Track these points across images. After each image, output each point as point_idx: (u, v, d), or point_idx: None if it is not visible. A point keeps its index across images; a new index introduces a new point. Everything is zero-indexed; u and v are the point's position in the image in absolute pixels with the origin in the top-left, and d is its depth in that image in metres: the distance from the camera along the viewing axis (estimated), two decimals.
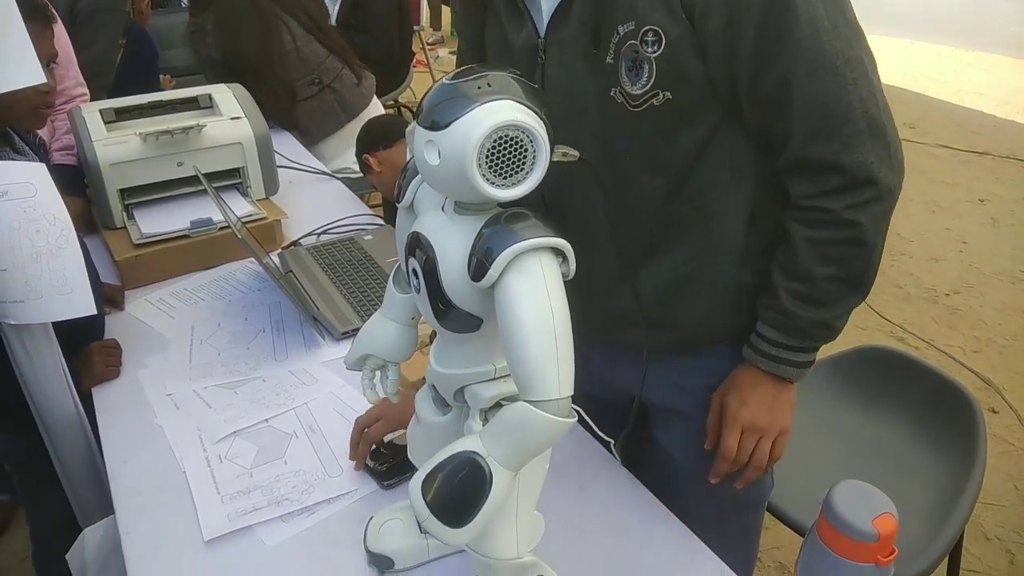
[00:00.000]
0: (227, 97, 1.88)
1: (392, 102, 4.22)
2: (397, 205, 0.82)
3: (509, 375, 0.74)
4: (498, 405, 0.75)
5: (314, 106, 2.68)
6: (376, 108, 2.86)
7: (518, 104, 0.66)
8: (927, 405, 1.56)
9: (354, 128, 2.76)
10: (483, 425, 0.75)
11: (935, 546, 1.25)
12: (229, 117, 1.83)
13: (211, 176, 1.73)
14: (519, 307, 0.65)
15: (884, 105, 0.90)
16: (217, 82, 1.96)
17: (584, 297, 1.05)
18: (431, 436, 0.88)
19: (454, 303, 0.72)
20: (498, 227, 0.67)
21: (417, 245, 0.75)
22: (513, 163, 0.66)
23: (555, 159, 0.69)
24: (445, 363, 0.81)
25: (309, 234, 1.88)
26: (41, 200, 1.14)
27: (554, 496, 1.09)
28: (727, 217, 1.01)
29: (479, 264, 0.67)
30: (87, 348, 1.39)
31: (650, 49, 0.89)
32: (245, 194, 1.88)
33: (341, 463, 1.17)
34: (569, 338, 0.66)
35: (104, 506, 1.28)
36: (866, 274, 0.97)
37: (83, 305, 1.18)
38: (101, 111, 1.76)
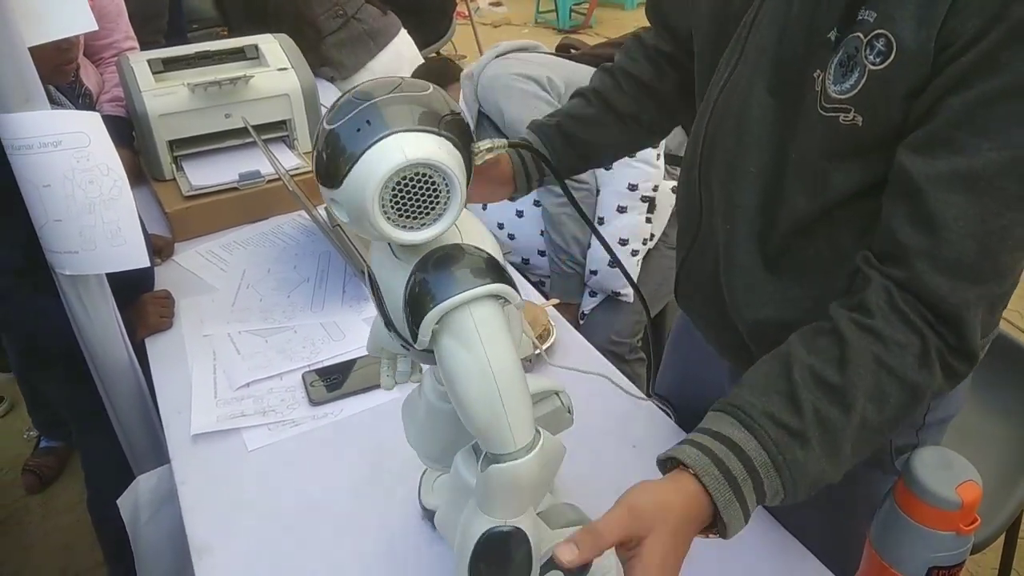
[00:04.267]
0: (273, 48, 1.85)
1: (434, 54, 4.17)
2: None
3: None
4: None
5: (343, 38, 2.64)
6: (406, 41, 2.82)
7: (410, 134, 0.58)
8: (989, 368, 1.51)
9: (385, 59, 2.71)
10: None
11: (1000, 514, 1.22)
12: (276, 68, 1.80)
13: (258, 128, 1.71)
14: (457, 375, 0.61)
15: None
16: (243, 31, 1.94)
17: (691, 278, 1.03)
18: (437, 421, 0.82)
19: (403, 336, 0.67)
20: (424, 279, 0.60)
21: (371, 279, 0.69)
22: (423, 202, 0.59)
23: (479, 161, 0.65)
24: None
25: None
26: (94, 150, 1.13)
27: (608, 455, 1.09)
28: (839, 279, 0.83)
29: (411, 328, 0.61)
30: (140, 299, 1.40)
31: (872, 57, 0.70)
32: (292, 147, 1.86)
33: None
34: (517, 386, 0.63)
35: (158, 455, 1.30)
36: None
37: (136, 257, 1.18)
38: (149, 61, 1.75)
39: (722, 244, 0.93)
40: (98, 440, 1.45)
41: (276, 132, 1.85)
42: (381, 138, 0.56)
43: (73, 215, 1.13)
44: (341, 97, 0.61)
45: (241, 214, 1.71)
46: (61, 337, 1.27)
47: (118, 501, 1.23)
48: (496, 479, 0.64)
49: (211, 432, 1.15)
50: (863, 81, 0.71)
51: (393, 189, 0.57)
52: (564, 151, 1.16)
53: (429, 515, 0.99)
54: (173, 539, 1.22)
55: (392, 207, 0.58)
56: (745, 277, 0.91)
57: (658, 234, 2.09)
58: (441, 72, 2.34)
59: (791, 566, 0.94)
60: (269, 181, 1.71)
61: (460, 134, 0.61)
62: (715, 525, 0.67)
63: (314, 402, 1.21)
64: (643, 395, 1.19)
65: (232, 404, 1.21)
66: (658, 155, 1.99)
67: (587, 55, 2.14)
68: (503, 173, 1.16)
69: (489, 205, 1.97)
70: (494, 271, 0.61)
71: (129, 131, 1.82)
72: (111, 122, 1.80)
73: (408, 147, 0.57)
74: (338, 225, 1.66)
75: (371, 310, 1.43)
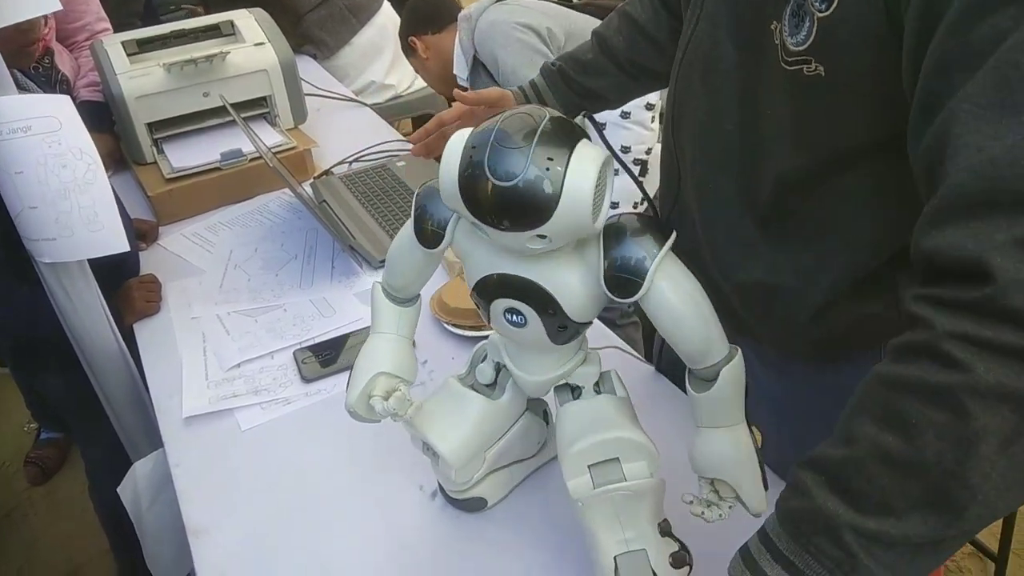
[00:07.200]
0: (249, 23, 1.82)
1: None
2: (426, 248, 0.79)
3: (589, 353, 0.84)
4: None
5: (323, 15, 2.59)
6: (390, 15, 2.75)
7: (586, 150, 0.65)
8: None
9: (369, 34, 2.66)
10: (595, 392, 0.83)
11: None
12: (252, 43, 1.77)
13: (238, 106, 1.68)
14: (682, 303, 0.71)
15: None
16: (221, 10, 1.90)
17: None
18: (490, 418, 0.89)
19: (576, 321, 0.76)
20: (626, 246, 0.70)
21: (514, 287, 0.74)
22: (604, 191, 0.68)
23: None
24: (543, 371, 0.82)
25: (341, 162, 1.84)
26: (66, 134, 1.10)
27: None
28: (851, 238, 0.79)
29: (626, 284, 0.70)
30: (126, 284, 1.39)
31: (818, 4, 0.66)
32: (273, 123, 1.83)
33: None
34: (712, 306, 0.73)
35: (153, 440, 1.28)
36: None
37: (115, 242, 1.16)
38: (123, 43, 1.72)
39: (699, 203, 0.91)
40: (94, 429, 1.44)
41: (256, 109, 1.82)
42: (569, 158, 0.64)
43: (48, 201, 1.10)
44: (487, 150, 0.64)
45: (225, 194, 1.69)
46: (48, 327, 1.25)
47: (118, 489, 1.22)
48: (728, 380, 0.72)
49: (204, 414, 1.14)
50: (814, 30, 0.67)
51: (595, 190, 0.65)
52: (566, 94, 1.21)
53: (463, 505, 0.96)
54: (176, 523, 1.21)
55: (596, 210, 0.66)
56: (733, 237, 0.88)
57: None
58: (436, 9, 2.16)
59: None
60: (252, 160, 1.69)
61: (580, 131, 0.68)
62: None
63: (307, 379, 1.20)
64: (641, 358, 1.18)
65: (224, 385, 1.19)
66: (652, 117, 1.95)
67: (591, 5, 2.07)
68: None
69: None
70: (661, 225, 0.72)
71: (108, 116, 1.79)
72: (89, 107, 1.79)
73: (592, 152, 0.65)
74: (324, 201, 1.65)
75: (361, 284, 1.41)
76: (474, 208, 0.66)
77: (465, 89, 1.80)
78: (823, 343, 0.87)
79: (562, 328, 0.76)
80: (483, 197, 0.65)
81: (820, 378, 0.94)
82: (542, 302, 0.74)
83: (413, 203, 0.78)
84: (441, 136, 1.34)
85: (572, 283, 0.73)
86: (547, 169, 0.63)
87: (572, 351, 0.82)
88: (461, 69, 2.02)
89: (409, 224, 0.80)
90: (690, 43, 0.86)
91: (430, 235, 0.77)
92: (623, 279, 0.70)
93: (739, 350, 0.73)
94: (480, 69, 1.96)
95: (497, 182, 0.63)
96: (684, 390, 1.09)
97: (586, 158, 0.64)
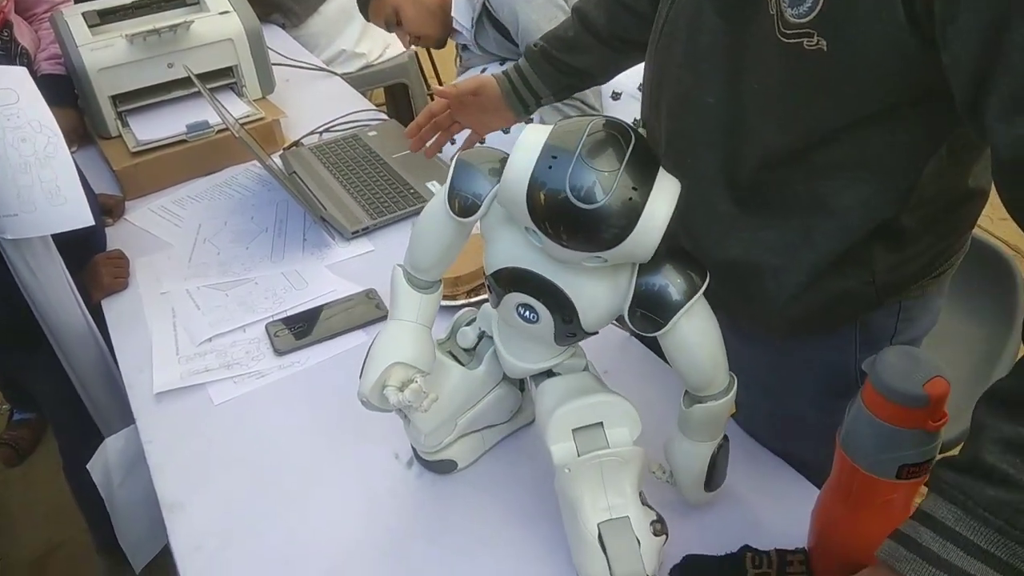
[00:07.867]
0: None
1: None
2: (458, 218, 0.75)
3: (577, 348, 0.85)
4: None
5: None
6: None
7: (665, 184, 0.64)
8: (962, 271, 1.50)
9: (339, 2, 2.60)
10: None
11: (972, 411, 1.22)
12: (217, 12, 1.73)
13: (203, 76, 1.66)
14: (699, 347, 0.73)
15: None
16: None
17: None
18: (465, 387, 0.91)
19: (588, 332, 0.76)
20: (658, 279, 0.70)
21: (537, 287, 0.73)
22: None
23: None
24: (532, 360, 0.83)
25: (310, 133, 1.82)
26: (23, 107, 1.08)
27: None
28: (834, 213, 0.78)
29: (649, 321, 0.72)
30: (93, 261, 1.36)
31: None
32: (240, 94, 1.80)
33: None
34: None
35: (125, 417, 1.27)
36: None
37: (79, 216, 1.14)
38: (84, 14, 1.68)
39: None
40: (65, 407, 1.42)
41: (223, 80, 1.78)
42: (650, 191, 0.63)
43: (8, 176, 1.08)
44: (571, 166, 0.62)
45: (192, 167, 1.66)
46: (17, 306, 1.23)
47: (88, 466, 1.21)
48: (701, 414, 0.77)
49: (176, 389, 1.13)
50: (820, 2, 0.64)
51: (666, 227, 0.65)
52: (551, 75, 1.19)
53: (433, 467, 0.96)
54: (148, 499, 1.20)
55: None
56: (711, 214, 0.86)
57: None
58: None
59: (764, 474, 0.94)
60: (219, 131, 1.66)
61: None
62: None
63: (279, 352, 1.18)
64: (619, 325, 1.17)
65: (195, 360, 1.18)
66: None
67: None
68: (491, 100, 1.23)
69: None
70: (695, 259, 0.73)
71: (71, 89, 1.74)
72: (51, 81, 1.74)
73: (670, 186, 0.65)
74: (294, 172, 1.62)
75: (333, 256, 1.39)
76: (537, 218, 0.64)
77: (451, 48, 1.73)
78: (801, 321, 0.87)
79: (571, 335, 0.76)
80: (553, 211, 0.63)
81: (795, 353, 0.94)
82: (562, 308, 0.73)
83: (450, 170, 0.75)
84: (434, 127, 1.32)
85: (598, 298, 0.72)
86: (629, 199, 0.62)
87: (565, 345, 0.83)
88: (463, 16, 1.86)
89: (441, 194, 0.76)
90: (671, 10, 0.84)
91: (464, 205, 0.74)
92: (647, 316, 0.71)
93: (735, 383, 0.77)
94: (485, 21, 1.82)
95: (577, 202, 0.62)
96: (661, 357, 1.11)
97: (665, 193, 0.63)
